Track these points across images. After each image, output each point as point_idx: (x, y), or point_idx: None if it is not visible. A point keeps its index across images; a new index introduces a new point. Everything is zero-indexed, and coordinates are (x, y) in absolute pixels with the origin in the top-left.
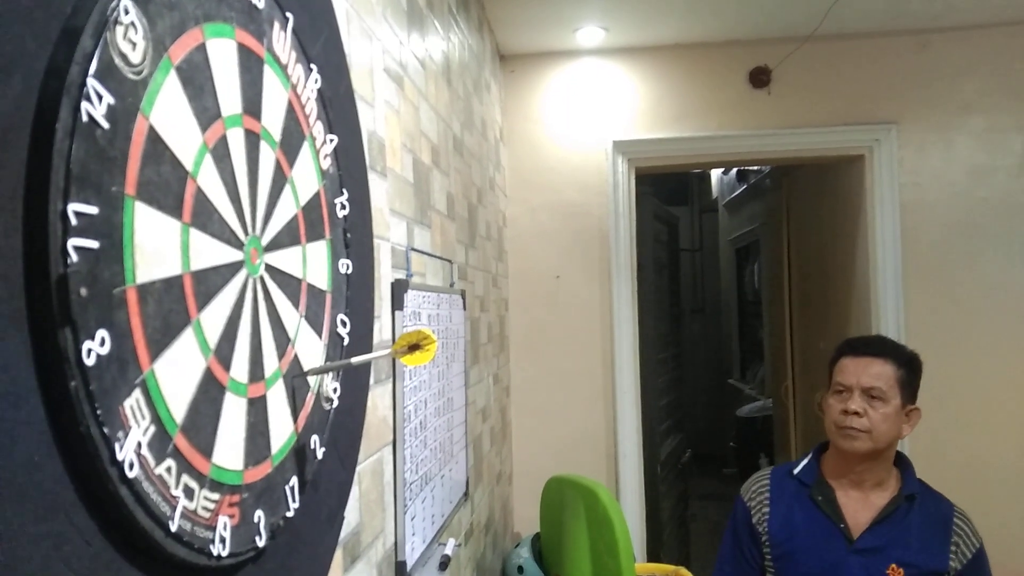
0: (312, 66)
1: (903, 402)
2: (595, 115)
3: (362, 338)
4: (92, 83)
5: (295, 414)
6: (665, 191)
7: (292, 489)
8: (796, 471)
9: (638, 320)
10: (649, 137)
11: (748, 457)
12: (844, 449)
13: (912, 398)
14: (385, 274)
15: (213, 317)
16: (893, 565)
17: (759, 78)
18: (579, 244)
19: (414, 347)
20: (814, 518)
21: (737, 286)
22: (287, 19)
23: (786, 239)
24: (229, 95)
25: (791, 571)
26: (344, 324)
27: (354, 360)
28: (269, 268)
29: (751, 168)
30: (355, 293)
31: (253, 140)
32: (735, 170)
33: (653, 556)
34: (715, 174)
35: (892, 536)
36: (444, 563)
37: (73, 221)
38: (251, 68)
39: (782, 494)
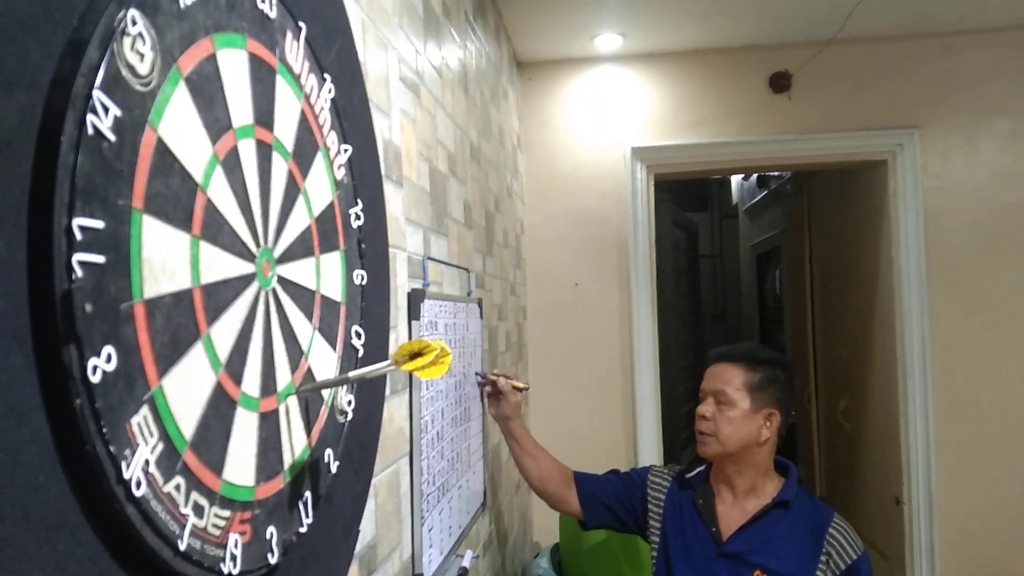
0: (326, 75)
1: (754, 405)
2: (613, 121)
3: (378, 349)
4: (98, 95)
5: (308, 428)
6: (684, 197)
7: (306, 504)
8: (689, 475)
9: (658, 327)
10: (668, 143)
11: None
12: (699, 454)
13: (770, 402)
14: (401, 284)
15: (224, 331)
16: (758, 572)
17: (779, 83)
18: (598, 251)
19: (415, 355)
20: (693, 521)
21: (758, 293)
22: (300, 28)
23: (808, 245)
24: (240, 106)
25: (668, 571)
26: (359, 336)
27: (352, 374)
28: (282, 280)
29: (772, 174)
30: (370, 304)
31: (265, 151)
32: (755, 176)
33: None
34: (735, 180)
35: (759, 542)
36: (462, 575)
37: (78, 236)
38: (263, 78)
39: (676, 497)
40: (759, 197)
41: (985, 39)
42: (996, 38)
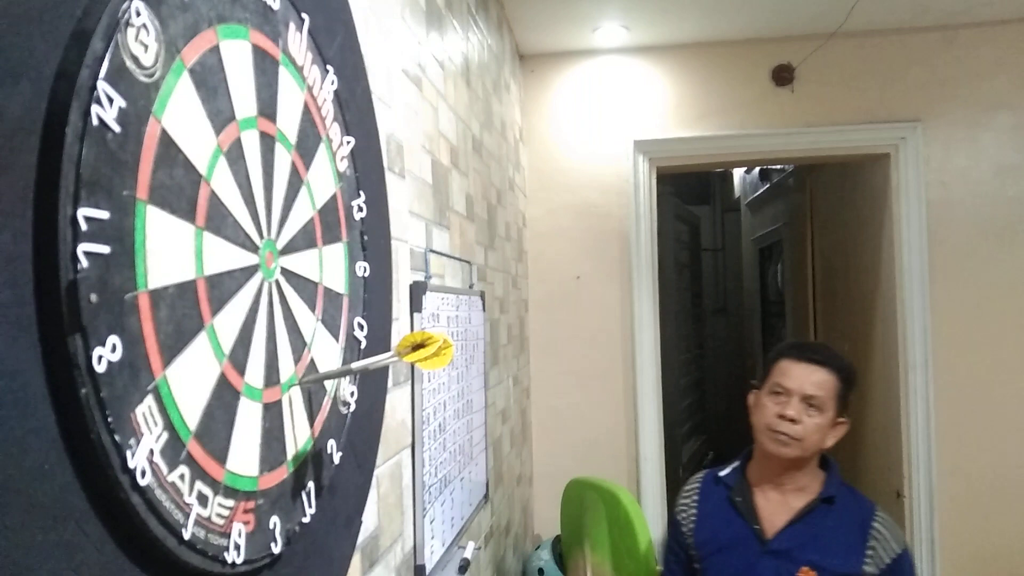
0: (328, 67)
1: (835, 414)
2: (616, 115)
3: (380, 341)
4: (103, 86)
5: (311, 419)
6: (686, 190)
7: (308, 494)
8: (722, 474)
9: (659, 321)
10: (670, 136)
11: None
12: (771, 452)
13: (843, 411)
14: (403, 276)
15: (228, 322)
16: (805, 568)
17: (782, 76)
18: (599, 244)
19: (418, 346)
20: (732, 520)
21: (760, 286)
22: (303, 20)
23: (810, 239)
24: (244, 97)
25: (712, 573)
26: (361, 327)
27: (354, 366)
28: (285, 272)
29: (774, 167)
30: (373, 296)
31: (268, 142)
32: (758, 169)
33: None
34: (737, 173)
35: (806, 538)
36: (464, 566)
37: (83, 226)
38: (266, 70)
39: (709, 497)
40: (761, 191)
41: (989, 32)
42: (1000, 31)
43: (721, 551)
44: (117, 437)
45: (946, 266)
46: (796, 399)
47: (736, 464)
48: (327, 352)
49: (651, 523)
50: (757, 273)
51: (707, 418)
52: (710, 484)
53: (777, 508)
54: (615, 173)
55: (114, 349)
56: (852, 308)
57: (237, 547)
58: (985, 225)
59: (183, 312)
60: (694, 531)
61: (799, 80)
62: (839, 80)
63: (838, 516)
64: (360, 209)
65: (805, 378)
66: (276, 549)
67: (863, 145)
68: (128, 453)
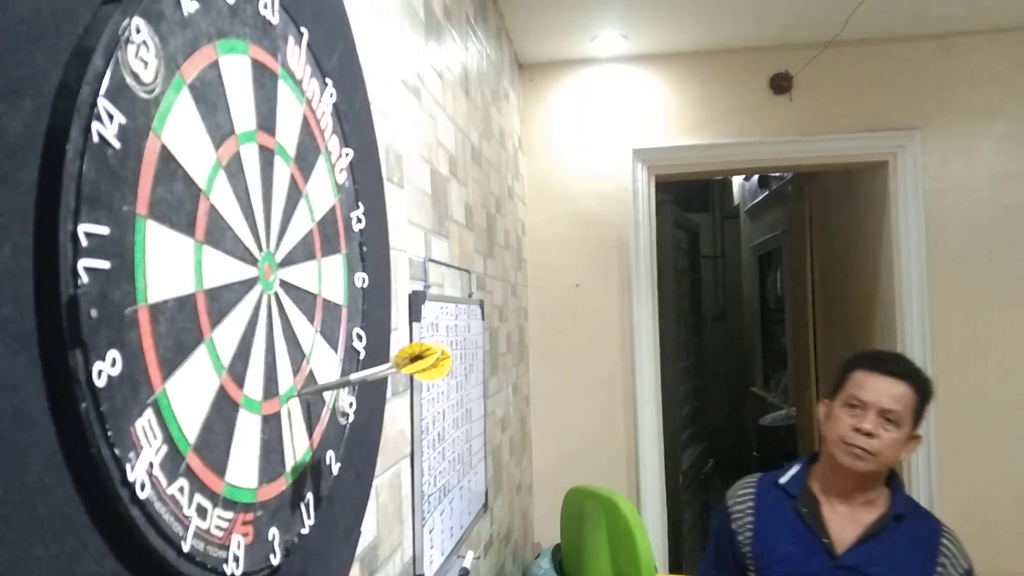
0: (327, 80)
1: (911, 428)
2: (614, 123)
3: (379, 351)
4: (103, 103)
5: (310, 430)
6: (686, 198)
7: (307, 505)
8: (782, 480)
9: (659, 328)
10: (669, 144)
11: (771, 466)
12: (845, 466)
13: (918, 424)
14: (402, 286)
15: (227, 334)
16: None
17: (780, 84)
18: (599, 252)
19: (416, 358)
20: (797, 531)
21: (759, 293)
22: (302, 34)
23: (809, 246)
24: (243, 111)
25: None
26: (360, 338)
27: (353, 377)
28: (284, 284)
29: (773, 175)
30: (371, 306)
31: (267, 156)
32: (756, 177)
33: (675, 567)
34: (736, 181)
35: (877, 555)
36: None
37: (84, 242)
38: (265, 84)
39: (766, 503)
40: (760, 198)
41: (986, 41)
42: (996, 39)
43: (783, 563)
44: (117, 451)
45: (944, 273)
46: (873, 413)
47: (796, 471)
48: (326, 363)
49: (650, 531)
50: (756, 280)
51: (707, 425)
52: (767, 490)
53: (845, 522)
54: (614, 181)
55: (114, 363)
56: (851, 315)
57: (236, 559)
58: (982, 232)
59: (182, 326)
60: (751, 540)
61: (797, 88)
62: (837, 88)
63: (907, 532)
64: (359, 220)
65: (883, 391)
66: (275, 560)
67: (861, 153)
68: (128, 466)
